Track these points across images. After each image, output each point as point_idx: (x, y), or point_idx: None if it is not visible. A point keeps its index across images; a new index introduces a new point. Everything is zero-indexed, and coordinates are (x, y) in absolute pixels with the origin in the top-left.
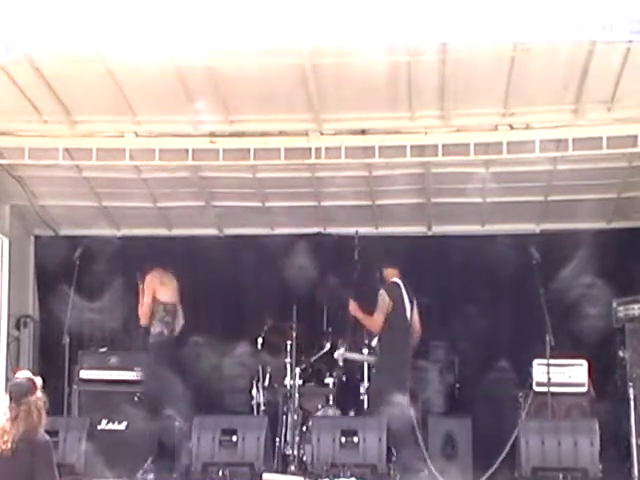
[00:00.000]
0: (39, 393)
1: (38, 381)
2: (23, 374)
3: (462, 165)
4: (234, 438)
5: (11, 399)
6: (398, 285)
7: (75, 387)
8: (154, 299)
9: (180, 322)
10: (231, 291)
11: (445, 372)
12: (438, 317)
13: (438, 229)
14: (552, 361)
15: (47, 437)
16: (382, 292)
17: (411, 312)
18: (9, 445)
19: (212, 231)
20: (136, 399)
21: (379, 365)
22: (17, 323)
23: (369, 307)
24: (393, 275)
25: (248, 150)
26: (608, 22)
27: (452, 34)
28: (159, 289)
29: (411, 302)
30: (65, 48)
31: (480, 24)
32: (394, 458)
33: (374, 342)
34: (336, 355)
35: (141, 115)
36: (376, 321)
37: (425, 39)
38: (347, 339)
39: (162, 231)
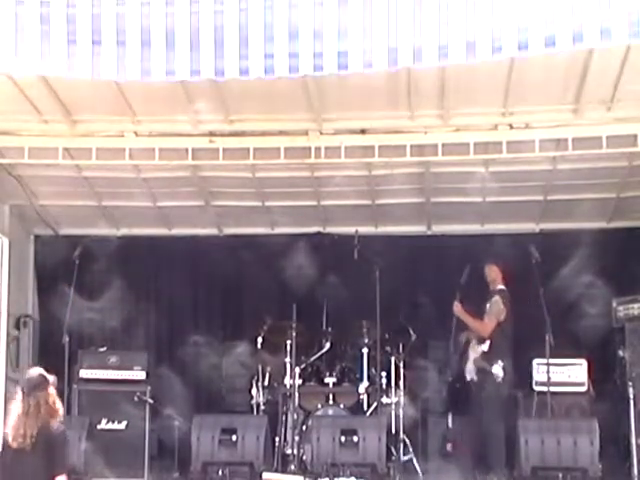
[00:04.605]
0: (51, 389)
1: (50, 378)
2: (36, 370)
3: (462, 164)
4: (234, 437)
5: (23, 393)
6: (507, 292)
7: (75, 386)
8: None
9: None
10: (231, 291)
11: (445, 372)
12: (438, 316)
13: (438, 228)
14: (552, 361)
15: (62, 427)
16: (498, 299)
17: None
18: (28, 440)
19: (212, 231)
20: (136, 399)
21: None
22: (17, 323)
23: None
24: (499, 282)
25: (248, 150)
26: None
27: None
28: None
29: None
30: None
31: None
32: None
33: (485, 347)
34: (495, 370)
35: (141, 115)
36: (488, 326)
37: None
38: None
39: (162, 231)
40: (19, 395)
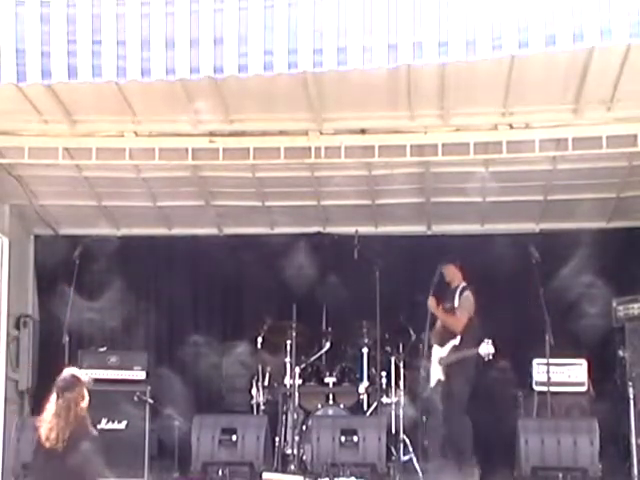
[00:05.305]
0: (83, 390)
1: (84, 378)
2: (69, 370)
3: (462, 164)
4: (234, 437)
5: (56, 394)
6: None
7: None
8: None
9: None
10: (231, 291)
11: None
12: None
13: (438, 228)
14: (552, 360)
15: (94, 432)
16: (469, 294)
17: None
18: (59, 442)
19: (212, 231)
20: (136, 399)
21: (463, 364)
22: (17, 323)
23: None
24: (458, 280)
25: (248, 149)
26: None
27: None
28: None
29: None
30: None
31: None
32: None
33: (456, 341)
34: (482, 350)
35: (141, 115)
36: (461, 321)
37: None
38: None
39: (162, 231)
40: (53, 395)
